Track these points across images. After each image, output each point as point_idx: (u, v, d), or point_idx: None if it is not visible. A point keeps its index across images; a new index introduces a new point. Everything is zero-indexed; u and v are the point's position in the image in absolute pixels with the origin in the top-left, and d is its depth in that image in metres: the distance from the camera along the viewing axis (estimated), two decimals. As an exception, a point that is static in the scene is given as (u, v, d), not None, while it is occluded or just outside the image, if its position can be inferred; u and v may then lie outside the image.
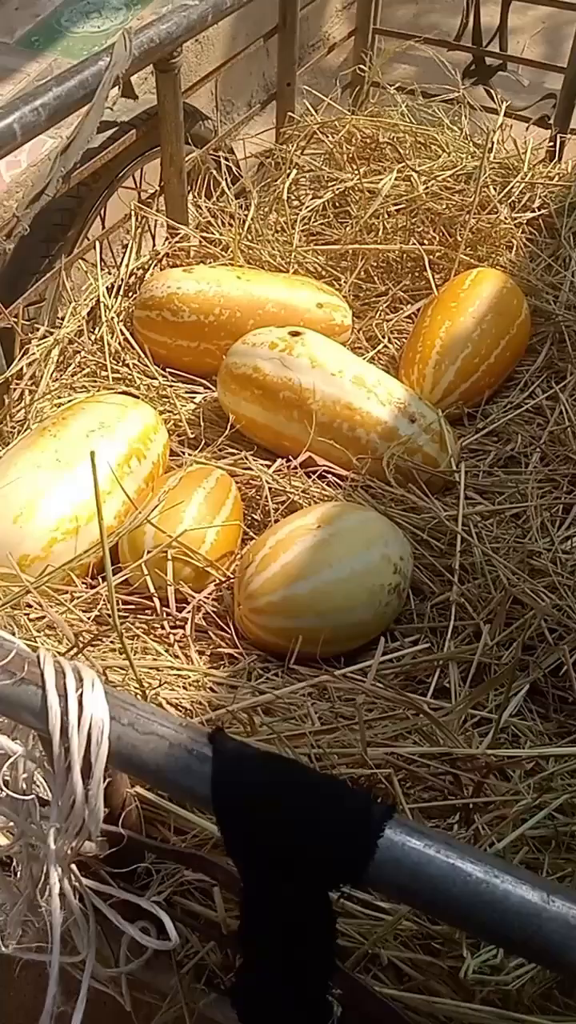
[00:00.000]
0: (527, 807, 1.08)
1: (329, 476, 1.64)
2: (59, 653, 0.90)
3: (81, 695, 0.77)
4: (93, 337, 1.92)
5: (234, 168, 2.33)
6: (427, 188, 2.14)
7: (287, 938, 0.80)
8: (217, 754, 0.74)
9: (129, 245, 2.07)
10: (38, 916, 0.91)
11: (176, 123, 1.95)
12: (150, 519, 1.42)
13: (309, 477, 1.63)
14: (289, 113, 2.43)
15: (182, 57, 1.87)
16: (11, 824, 0.90)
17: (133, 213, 2.06)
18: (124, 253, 2.08)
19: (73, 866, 0.89)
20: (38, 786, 0.87)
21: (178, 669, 1.30)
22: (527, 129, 2.48)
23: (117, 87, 1.72)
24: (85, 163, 1.79)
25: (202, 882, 1.02)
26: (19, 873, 0.91)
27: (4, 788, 0.83)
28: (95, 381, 1.85)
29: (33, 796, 0.84)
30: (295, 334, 1.71)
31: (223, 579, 1.47)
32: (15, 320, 1.77)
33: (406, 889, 0.70)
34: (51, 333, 1.87)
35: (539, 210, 2.21)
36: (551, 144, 2.45)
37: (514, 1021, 0.94)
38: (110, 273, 2.04)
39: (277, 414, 1.67)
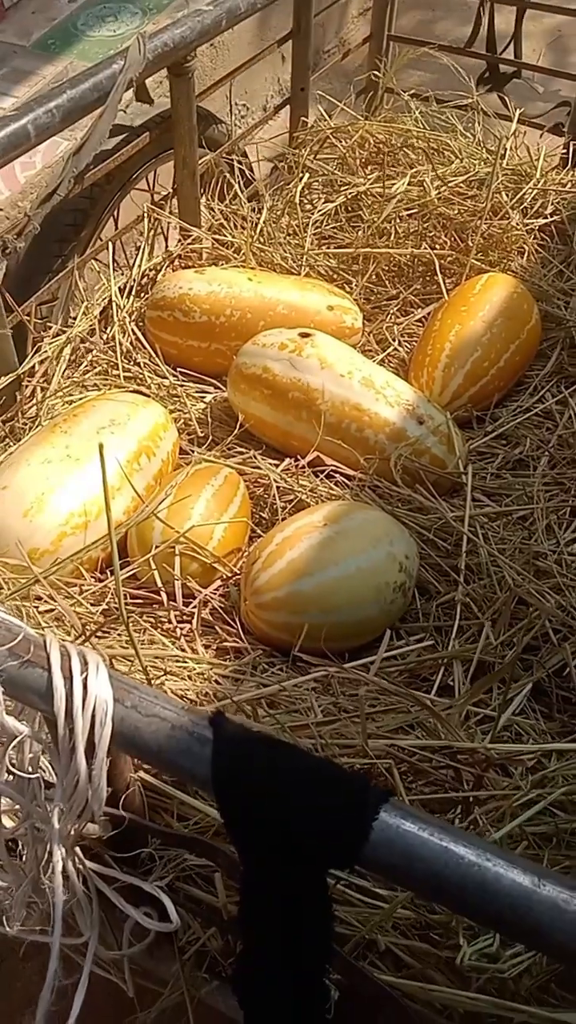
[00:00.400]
0: (526, 800, 1.09)
1: (337, 476, 1.65)
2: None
3: (86, 678, 0.78)
4: (105, 336, 1.94)
5: (247, 171, 2.35)
6: (439, 193, 2.15)
7: (285, 921, 0.81)
8: (217, 736, 0.75)
9: (142, 246, 2.09)
10: (42, 897, 0.92)
11: (190, 126, 1.97)
12: (157, 514, 1.44)
13: (317, 476, 1.65)
14: (303, 118, 2.44)
15: (196, 61, 1.89)
16: (17, 808, 0.91)
17: (146, 215, 2.07)
18: (137, 254, 2.10)
19: (77, 849, 0.90)
20: (43, 770, 0.89)
21: (183, 660, 1.32)
22: (541, 136, 2.49)
23: (131, 90, 1.73)
24: (99, 165, 1.81)
25: (204, 868, 1.03)
26: (24, 855, 0.93)
27: (11, 769, 0.85)
28: (106, 379, 1.87)
29: (38, 776, 0.85)
30: (305, 335, 1.73)
31: (230, 575, 1.48)
32: (28, 318, 1.79)
33: (399, 870, 0.71)
34: (63, 332, 1.89)
35: (551, 216, 2.21)
36: (564, 151, 2.45)
37: (510, 1010, 0.95)
38: (123, 273, 2.06)
39: (286, 414, 1.68)
